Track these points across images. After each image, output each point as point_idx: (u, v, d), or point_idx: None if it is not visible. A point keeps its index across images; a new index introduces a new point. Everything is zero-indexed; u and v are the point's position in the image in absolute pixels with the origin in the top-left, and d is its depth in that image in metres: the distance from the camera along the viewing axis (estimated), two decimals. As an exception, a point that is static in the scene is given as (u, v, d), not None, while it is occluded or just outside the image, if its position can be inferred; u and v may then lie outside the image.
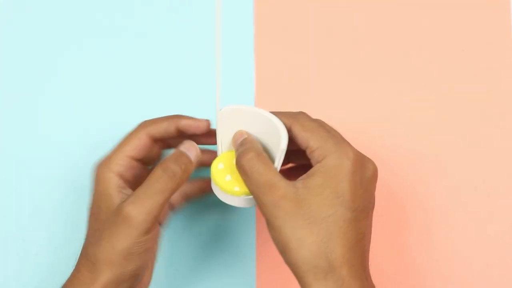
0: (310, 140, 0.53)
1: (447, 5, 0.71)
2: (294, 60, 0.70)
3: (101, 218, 0.55)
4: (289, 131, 0.55)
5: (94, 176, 0.57)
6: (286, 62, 0.70)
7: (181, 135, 0.58)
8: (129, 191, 0.56)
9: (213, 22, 0.71)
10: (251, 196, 0.55)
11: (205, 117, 0.58)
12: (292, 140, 0.55)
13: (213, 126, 0.59)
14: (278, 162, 0.54)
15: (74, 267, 0.56)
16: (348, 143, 0.54)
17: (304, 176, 0.52)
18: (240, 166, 0.53)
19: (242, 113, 0.57)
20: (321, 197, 0.51)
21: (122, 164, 0.56)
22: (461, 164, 0.68)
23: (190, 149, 0.56)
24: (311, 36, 0.71)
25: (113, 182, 0.55)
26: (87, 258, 0.54)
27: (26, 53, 0.71)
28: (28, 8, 0.71)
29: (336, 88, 0.70)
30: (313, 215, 0.50)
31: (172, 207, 0.62)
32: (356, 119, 0.69)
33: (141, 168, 0.58)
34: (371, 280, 0.53)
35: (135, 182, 0.57)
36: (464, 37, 0.70)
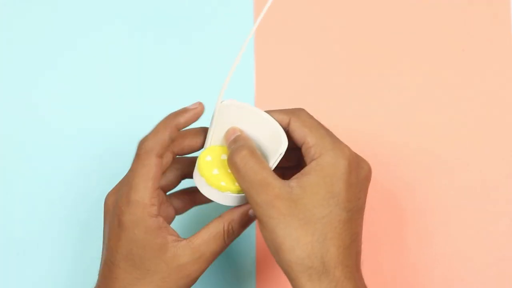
0: (307, 136, 0.52)
1: (447, 5, 0.71)
2: (294, 60, 0.70)
3: (148, 267, 0.53)
4: (287, 126, 0.54)
5: (129, 223, 0.53)
6: (286, 62, 0.70)
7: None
8: (170, 230, 0.53)
9: (214, 22, 0.71)
10: (235, 194, 0.54)
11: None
12: (288, 136, 0.54)
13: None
14: (273, 165, 0.54)
15: None
16: (344, 144, 0.53)
17: (298, 174, 0.51)
18: (233, 164, 0.52)
19: (243, 111, 0.56)
20: (317, 197, 0.50)
21: (156, 201, 0.53)
22: (461, 164, 0.68)
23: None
24: (311, 36, 0.71)
25: (157, 228, 0.53)
26: None
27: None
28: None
29: (336, 88, 0.70)
30: (308, 216, 0.50)
31: (178, 212, 0.61)
32: (356, 119, 0.69)
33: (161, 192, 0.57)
34: (363, 281, 0.52)
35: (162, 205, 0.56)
36: (464, 37, 0.70)
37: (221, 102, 0.55)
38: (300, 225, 0.50)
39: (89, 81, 0.70)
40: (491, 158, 0.69)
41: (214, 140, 0.56)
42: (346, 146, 0.52)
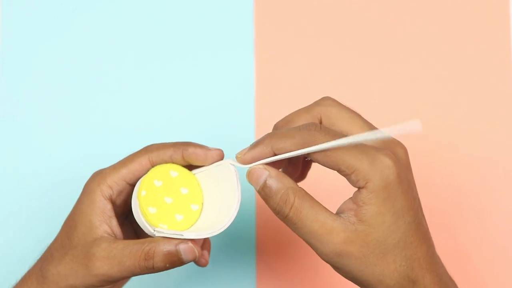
0: (340, 165, 0.47)
1: (446, 5, 0.71)
2: (294, 60, 0.70)
3: (73, 238, 0.52)
4: (306, 155, 0.48)
5: (85, 190, 0.54)
6: (286, 62, 0.70)
7: (188, 164, 0.54)
8: (113, 222, 0.53)
9: (214, 22, 0.71)
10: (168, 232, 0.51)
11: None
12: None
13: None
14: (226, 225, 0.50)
15: (28, 270, 0.54)
16: (377, 148, 0.47)
17: (351, 205, 0.47)
18: (285, 217, 0.48)
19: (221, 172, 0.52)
20: (385, 225, 0.47)
21: (116, 188, 0.53)
22: (460, 164, 0.68)
23: (187, 253, 0.51)
24: (311, 36, 0.71)
25: (101, 208, 0.52)
26: (41, 270, 0.53)
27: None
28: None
29: (336, 88, 0.70)
30: (383, 248, 0.47)
31: None
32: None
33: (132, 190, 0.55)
34: (447, 273, 0.50)
35: (123, 205, 0.55)
36: (464, 37, 0.70)
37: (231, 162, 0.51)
38: (379, 259, 0.47)
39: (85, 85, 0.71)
40: (490, 158, 0.69)
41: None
42: (382, 153, 0.47)
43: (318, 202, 0.48)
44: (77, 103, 0.70)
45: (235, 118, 0.69)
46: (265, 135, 0.49)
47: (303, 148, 0.47)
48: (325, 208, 0.48)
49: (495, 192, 0.68)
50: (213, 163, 0.52)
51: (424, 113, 0.69)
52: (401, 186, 0.47)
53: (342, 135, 0.47)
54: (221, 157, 0.52)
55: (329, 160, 0.47)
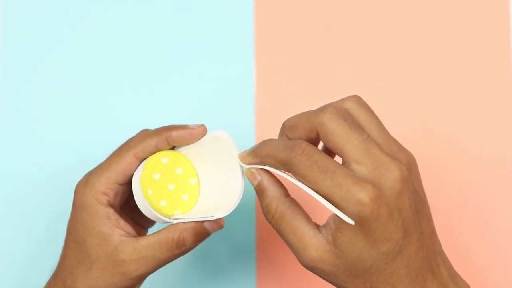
0: (317, 191, 0.47)
1: (446, 5, 0.71)
2: (294, 60, 0.70)
3: (89, 252, 0.53)
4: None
5: (80, 205, 0.54)
6: (286, 62, 0.70)
7: (174, 146, 0.55)
8: (121, 222, 0.53)
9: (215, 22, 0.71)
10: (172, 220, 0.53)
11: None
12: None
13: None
14: (233, 207, 0.52)
15: None
16: (357, 180, 0.46)
17: (332, 223, 0.47)
18: (269, 223, 0.50)
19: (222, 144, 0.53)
20: (355, 253, 0.47)
21: (111, 193, 0.53)
22: (460, 164, 0.68)
23: (213, 226, 0.54)
24: (311, 36, 0.71)
25: (105, 216, 0.53)
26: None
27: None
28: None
29: (336, 88, 0.70)
30: (354, 271, 0.47)
31: None
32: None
33: (126, 188, 0.55)
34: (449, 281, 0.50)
35: (119, 203, 0.55)
36: (463, 37, 0.70)
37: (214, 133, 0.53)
38: (349, 279, 0.47)
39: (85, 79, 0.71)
40: (490, 158, 0.69)
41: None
42: (359, 185, 0.46)
43: (303, 214, 0.49)
44: (77, 103, 0.70)
45: (235, 118, 0.69)
46: (261, 142, 0.50)
47: (284, 168, 0.48)
48: (308, 220, 0.49)
49: (496, 192, 0.68)
50: (199, 138, 0.54)
51: (424, 113, 0.69)
52: (377, 220, 0.45)
53: (322, 161, 0.46)
54: (205, 132, 0.54)
55: (308, 184, 0.47)
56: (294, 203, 0.50)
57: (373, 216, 0.45)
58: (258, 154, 0.50)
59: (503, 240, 0.68)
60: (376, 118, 0.49)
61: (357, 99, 0.49)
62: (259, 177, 0.50)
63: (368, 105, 0.49)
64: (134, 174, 0.53)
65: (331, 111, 0.47)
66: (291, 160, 0.47)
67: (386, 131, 0.49)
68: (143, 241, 0.52)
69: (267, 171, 0.50)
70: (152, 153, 0.53)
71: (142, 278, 0.53)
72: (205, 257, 0.68)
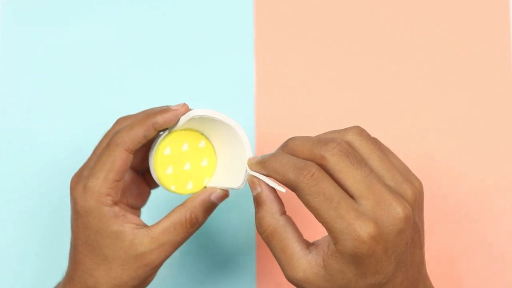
0: (317, 218, 0.47)
1: (446, 5, 0.71)
2: (294, 60, 0.70)
3: (106, 252, 0.53)
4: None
5: (84, 212, 0.53)
6: (286, 62, 0.70)
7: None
8: (129, 216, 0.54)
9: (214, 22, 0.71)
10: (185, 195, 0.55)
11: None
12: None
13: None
14: (244, 179, 0.52)
15: None
16: (359, 214, 0.46)
17: (325, 246, 0.48)
18: (264, 240, 0.51)
19: (211, 121, 0.54)
20: (343, 281, 0.47)
21: (114, 192, 0.53)
22: (459, 164, 0.69)
23: (219, 198, 0.55)
24: (311, 36, 0.71)
25: (113, 216, 0.53)
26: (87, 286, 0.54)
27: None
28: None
29: (336, 88, 0.70)
30: None
31: (152, 186, 0.61)
32: (356, 119, 0.69)
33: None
34: None
35: (122, 193, 0.56)
36: (463, 37, 0.70)
37: (193, 113, 0.54)
38: None
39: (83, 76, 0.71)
40: (489, 158, 0.69)
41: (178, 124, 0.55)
42: (361, 220, 0.46)
43: (295, 234, 0.49)
44: (77, 102, 0.70)
45: (235, 118, 0.69)
46: (272, 155, 0.50)
47: (289, 188, 0.48)
48: (299, 240, 0.49)
49: (495, 196, 0.68)
50: (182, 115, 0.54)
51: (424, 113, 0.69)
52: (372, 256, 0.46)
53: (329, 189, 0.46)
54: (187, 110, 0.54)
55: (310, 210, 0.47)
56: (288, 221, 0.50)
57: (368, 253, 0.45)
58: (267, 167, 0.50)
59: (503, 240, 0.68)
60: (378, 149, 0.49)
61: (359, 131, 0.49)
62: (259, 189, 0.50)
63: (369, 136, 0.49)
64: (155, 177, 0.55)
65: (333, 147, 0.47)
66: (298, 183, 0.46)
67: (389, 161, 0.49)
68: (157, 229, 0.53)
69: (268, 185, 0.50)
70: (141, 144, 0.54)
71: (163, 262, 0.54)
72: (205, 257, 0.68)
